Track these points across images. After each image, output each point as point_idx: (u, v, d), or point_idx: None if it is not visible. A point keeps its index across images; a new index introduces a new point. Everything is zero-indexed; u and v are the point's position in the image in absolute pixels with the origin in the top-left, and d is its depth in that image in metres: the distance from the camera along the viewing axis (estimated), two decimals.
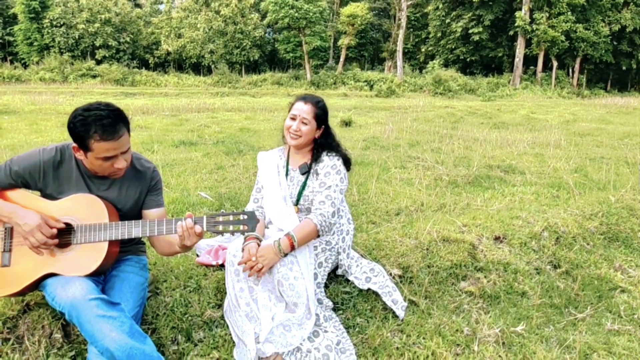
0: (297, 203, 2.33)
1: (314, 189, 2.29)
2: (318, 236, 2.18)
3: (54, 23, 36.01)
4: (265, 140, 7.89)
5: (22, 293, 1.84)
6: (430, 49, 40.23)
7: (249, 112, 13.61)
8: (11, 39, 38.57)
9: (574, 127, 11.48)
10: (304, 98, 2.34)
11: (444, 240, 3.00)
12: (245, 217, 1.81)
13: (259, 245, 2.13)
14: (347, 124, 10.59)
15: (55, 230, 1.76)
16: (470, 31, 35.59)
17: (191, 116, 11.94)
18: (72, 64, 33.52)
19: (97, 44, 37.57)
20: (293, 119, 2.30)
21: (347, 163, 2.36)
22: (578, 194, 4.47)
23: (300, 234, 2.11)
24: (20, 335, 1.89)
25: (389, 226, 3.34)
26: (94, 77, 32.09)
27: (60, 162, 1.87)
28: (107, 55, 37.79)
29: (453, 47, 37.88)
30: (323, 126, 2.35)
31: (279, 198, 2.31)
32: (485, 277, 2.73)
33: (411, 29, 40.94)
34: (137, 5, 43.50)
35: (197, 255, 2.57)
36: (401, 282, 2.58)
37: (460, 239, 2.98)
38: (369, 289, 2.42)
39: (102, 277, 1.96)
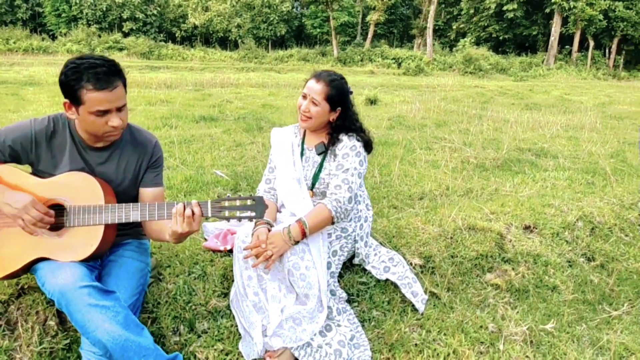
0: (312, 187, 2.15)
1: (331, 172, 2.11)
2: (332, 223, 2.01)
3: None
4: (286, 117, 7.71)
5: (11, 277, 1.72)
6: (461, 26, 38.80)
7: (273, 88, 13.40)
8: (40, 9, 39.06)
9: (610, 110, 10.88)
10: (318, 75, 2.10)
11: (469, 228, 2.80)
12: (253, 202, 1.64)
13: (269, 230, 1.99)
14: (372, 102, 10.29)
15: (48, 209, 1.62)
16: (504, 8, 34.10)
17: (214, 91, 11.82)
18: (100, 36, 33.70)
19: (125, 17, 37.66)
20: (304, 97, 2.10)
21: (367, 146, 2.16)
22: (615, 181, 4.16)
23: (312, 221, 1.94)
24: (13, 321, 1.79)
25: (412, 212, 3.14)
26: (121, 49, 32.19)
27: (54, 133, 1.73)
28: (134, 27, 37.86)
29: (486, 24, 36.44)
30: (340, 108, 2.12)
31: (292, 180, 2.14)
32: (513, 269, 2.53)
33: (443, 5, 39.46)
34: None
35: (205, 239, 2.45)
36: (422, 272, 2.41)
37: (487, 228, 2.78)
38: (387, 280, 2.26)
39: (98, 262, 1.82)
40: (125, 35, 36.03)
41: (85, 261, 1.67)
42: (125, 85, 1.65)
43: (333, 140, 2.13)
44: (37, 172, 1.75)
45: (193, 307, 1.99)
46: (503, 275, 2.47)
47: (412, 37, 41.13)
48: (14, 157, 1.71)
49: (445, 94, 12.79)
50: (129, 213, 1.66)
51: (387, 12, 35.82)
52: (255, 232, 1.99)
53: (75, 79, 1.54)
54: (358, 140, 2.11)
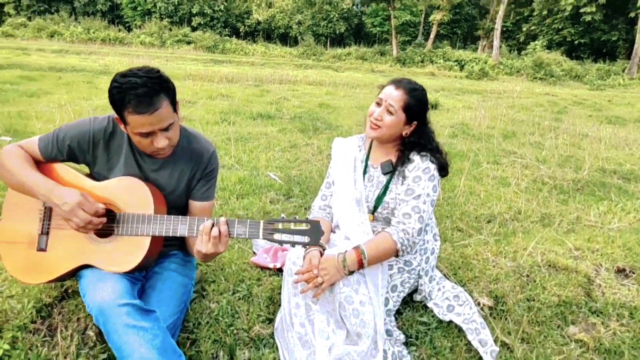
0: (374, 210, 1.91)
1: (398, 196, 1.85)
2: (397, 256, 1.77)
3: None
4: (343, 118, 7.48)
5: (57, 280, 1.66)
6: (532, 28, 36.71)
7: (330, 87, 13.21)
8: (118, 2, 41.44)
9: None
10: (397, 82, 1.86)
11: (549, 266, 2.44)
12: (308, 227, 1.48)
13: (321, 254, 1.78)
14: (433, 106, 9.82)
15: (100, 207, 1.52)
16: (581, 10, 31.81)
17: (273, 87, 11.81)
18: (170, 29, 35.21)
19: (194, 11, 39.14)
20: (378, 104, 1.87)
21: (443, 169, 1.89)
22: None
23: (373, 251, 1.71)
24: (53, 327, 1.72)
25: (480, 239, 2.81)
26: (189, 43, 33.44)
27: (112, 134, 1.65)
28: (202, 22, 39.28)
29: (560, 27, 34.23)
30: (416, 122, 1.87)
31: (351, 200, 1.91)
32: (602, 323, 2.15)
33: (512, 6, 37.50)
34: None
35: (254, 253, 2.27)
36: (491, 315, 2.10)
37: (571, 268, 2.41)
38: (450, 321, 1.98)
39: (143, 272, 1.73)
40: (194, 29, 37.41)
41: (129, 272, 1.59)
42: (173, 101, 1.52)
43: (403, 159, 1.87)
44: (92, 174, 1.69)
45: (235, 331, 1.82)
46: (590, 329, 2.10)
47: (477, 39, 39.57)
48: (72, 156, 1.65)
49: (512, 101, 12.01)
50: (177, 227, 1.57)
51: (451, 12, 34.65)
52: (307, 255, 1.79)
53: (118, 99, 1.45)
54: (432, 162, 1.84)
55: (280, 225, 1.48)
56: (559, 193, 4.01)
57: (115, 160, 1.65)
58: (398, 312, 1.98)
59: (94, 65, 13.94)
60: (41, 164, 1.64)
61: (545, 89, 19.15)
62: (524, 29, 37.75)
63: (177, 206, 1.74)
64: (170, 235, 1.56)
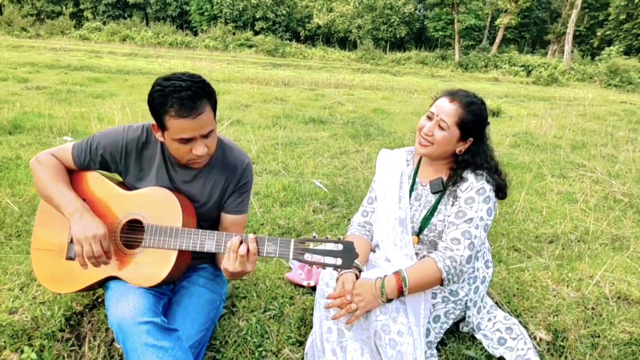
0: (419, 232, 1.75)
1: (447, 218, 1.68)
2: (441, 285, 1.60)
3: None
4: (397, 124, 7.27)
5: (86, 290, 1.65)
6: (608, 32, 34.18)
7: (387, 92, 12.98)
8: (187, 8, 43.61)
9: None
10: (453, 94, 1.68)
11: (619, 298, 2.15)
12: (341, 248, 1.37)
13: (357, 277, 1.64)
14: (495, 113, 9.33)
15: (111, 249, 1.51)
16: None
17: (328, 91, 11.79)
18: (234, 33, 36.49)
19: (257, 16, 40.31)
20: (429, 118, 1.70)
21: (500, 191, 1.68)
22: None
23: (414, 278, 1.55)
24: (82, 336, 1.71)
25: (539, 262, 2.55)
26: (250, 47, 34.48)
27: (145, 144, 1.61)
28: (264, 26, 40.37)
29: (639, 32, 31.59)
30: (472, 139, 1.68)
31: (394, 219, 1.76)
32: None
33: (587, 10, 35.12)
34: None
35: (289, 268, 2.18)
36: (549, 352, 1.87)
37: None
38: (501, 357, 1.77)
39: (170, 286, 1.68)
40: (256, 33, 38.49)
41: (155, 287, 1.54)
42: (214, 108, 1.47)
43: (455, 177, 1.69)
44: (124, 183, 1.67)
45: (263, 352, 1.73)
46: None
47: (546, 43, 37.52)
48: (104, 165, 1.64)
49: (584, 109, 11.19)
50: (204, 242, 1.50)
51: (519, 15, 33.00)
52: (340, 277, 1.66)
53: (160, 103, 1.40)
54: (488, 182, 1.65)
55: (311, 245, 1.39)
56: (634, 212, 3.60)
57: (146, 171, 1.62)
58: (441, 343, 1.81)
59: (159, 69, 14.64)
60: (74, 171, 1.64)
61: (621, 96, 17.71)
62: (599, 33, 35.27)
63: (209, 219, 1.68)
64: (197, 250, 1.50)
